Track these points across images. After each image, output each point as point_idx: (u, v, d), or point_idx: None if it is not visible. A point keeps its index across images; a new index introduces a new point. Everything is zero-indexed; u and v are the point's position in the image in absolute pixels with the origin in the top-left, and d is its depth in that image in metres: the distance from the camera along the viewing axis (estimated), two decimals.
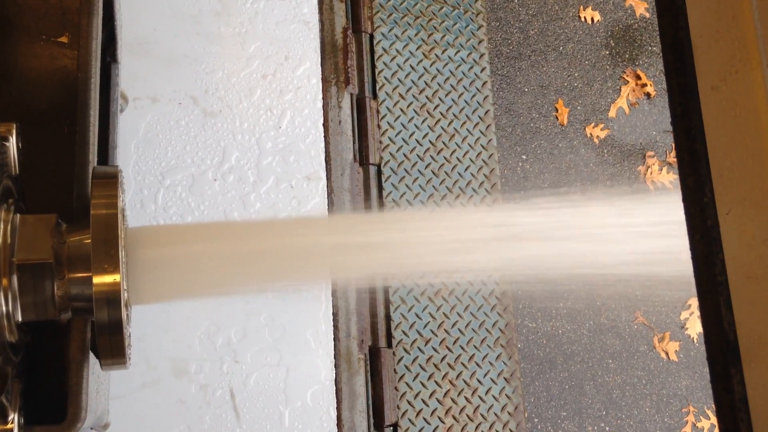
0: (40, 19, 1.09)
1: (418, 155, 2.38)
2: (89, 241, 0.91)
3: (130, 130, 2.02)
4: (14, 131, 0.92)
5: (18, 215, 0.92)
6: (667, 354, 2.99)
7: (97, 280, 0.90)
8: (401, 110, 2.41)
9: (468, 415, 2.22)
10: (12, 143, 0.92)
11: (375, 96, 2.38)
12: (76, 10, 1.07)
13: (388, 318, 2.21)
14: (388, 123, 2.38)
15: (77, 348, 0.96)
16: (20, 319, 0.90)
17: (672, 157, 3.21)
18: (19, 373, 0.93)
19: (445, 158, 2.40)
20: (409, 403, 2.17)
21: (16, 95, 1.07)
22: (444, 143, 2.42)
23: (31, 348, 0.99)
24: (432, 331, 2.24)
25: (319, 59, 2.23)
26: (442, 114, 2.44)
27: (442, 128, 2.43)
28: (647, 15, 3.38)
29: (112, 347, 0.93)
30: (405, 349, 2.20)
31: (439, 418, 2.19)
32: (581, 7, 3.31)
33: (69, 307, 0.92)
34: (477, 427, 2.21)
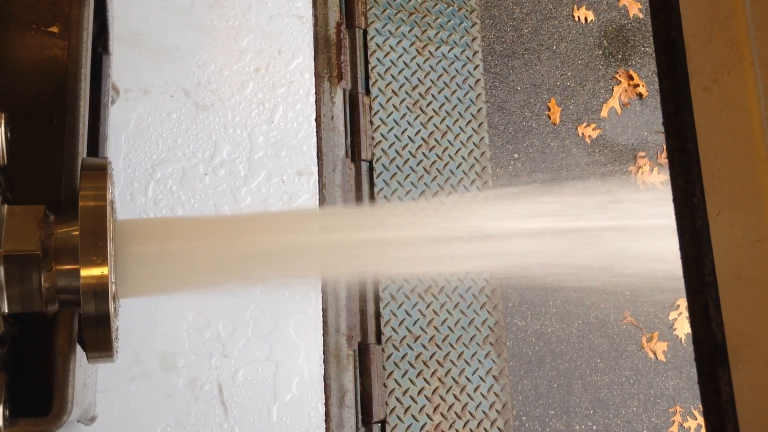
0: (30, 8, 1.08)
1: (410, 152, 2.38)
2: (77, 232, 0.90)
3: (121, 122, 2.00)
4: (2, 121, 0.91)
5: (5, 206, 0.91)
6: (655, 354, 3.00)
7: (85, 272, 0.89)
8: (394, 106, 2.40)
9: (456, 413, 2.22)
10: (0, 133, 0.91)
11: (368, 92, 2.38)
12: (66, 0, 1.06)
13: (377, 314, 2.21)
14: (381, 119, 2.38)
15: (64, 340, 0.95)
16: (6, 311, 0.89)
17: (663, 158, 3.22)
18: (4, 365, 0.92)
19: (437, 155, 2.40)
20: (397, 399, 2.17)
21: (5, 85, 1.06)
22: (436, 140, 2.41)
23: (17, 340, 0.98)
24: (421, 328, 2.24)
25: (313, 54, 2.22)
26: (434, 111, 2.44)
27: (435, 125, 2.43)
28: (641, 15, 3.38)
29: (99, 340, 0.92)
30: (394, 346, 2.20)
31: (428, 415, 2.19)
32: (575, 6, 3.31)
33: (56, 299, 0.92)
34: (465, 425, 2.22)
